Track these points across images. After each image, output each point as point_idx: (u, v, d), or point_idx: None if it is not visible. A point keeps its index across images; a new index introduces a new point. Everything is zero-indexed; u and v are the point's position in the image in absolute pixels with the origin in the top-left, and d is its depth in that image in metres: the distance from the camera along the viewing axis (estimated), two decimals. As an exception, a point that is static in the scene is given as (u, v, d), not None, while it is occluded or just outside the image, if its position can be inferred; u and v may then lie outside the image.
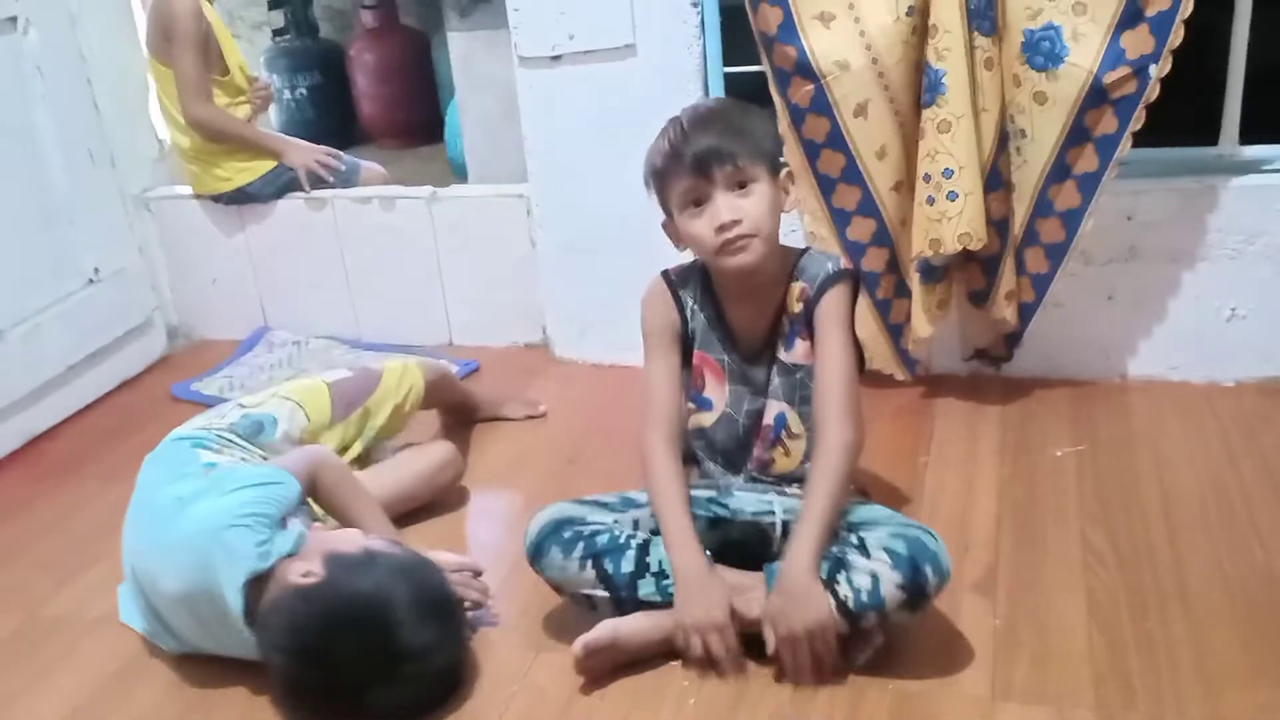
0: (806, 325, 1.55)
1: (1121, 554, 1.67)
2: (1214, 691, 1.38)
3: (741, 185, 1.47)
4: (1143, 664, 1.44)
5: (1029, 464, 1.95)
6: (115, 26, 2.71)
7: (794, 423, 1.59)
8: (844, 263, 1.56)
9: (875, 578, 1.40)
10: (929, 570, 1.40)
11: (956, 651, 1.49)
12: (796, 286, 1.56)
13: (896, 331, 2.19)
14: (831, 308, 1.53)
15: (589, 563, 1.52)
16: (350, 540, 1.54)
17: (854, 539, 1.46)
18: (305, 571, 1.45)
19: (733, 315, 1.60)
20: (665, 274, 1.63)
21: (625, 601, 1.52)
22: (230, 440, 1.79)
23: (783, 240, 1.56)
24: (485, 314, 2.66)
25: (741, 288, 1.57)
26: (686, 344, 1.62)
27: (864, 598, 1.40)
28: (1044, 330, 2.20)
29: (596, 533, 1.55)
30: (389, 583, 1.42)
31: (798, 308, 1.56)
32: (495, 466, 2.14)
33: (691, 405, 1.64)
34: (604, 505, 1.61)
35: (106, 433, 2.43)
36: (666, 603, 1.51)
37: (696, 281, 1.62)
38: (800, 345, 1.56)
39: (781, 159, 1.56)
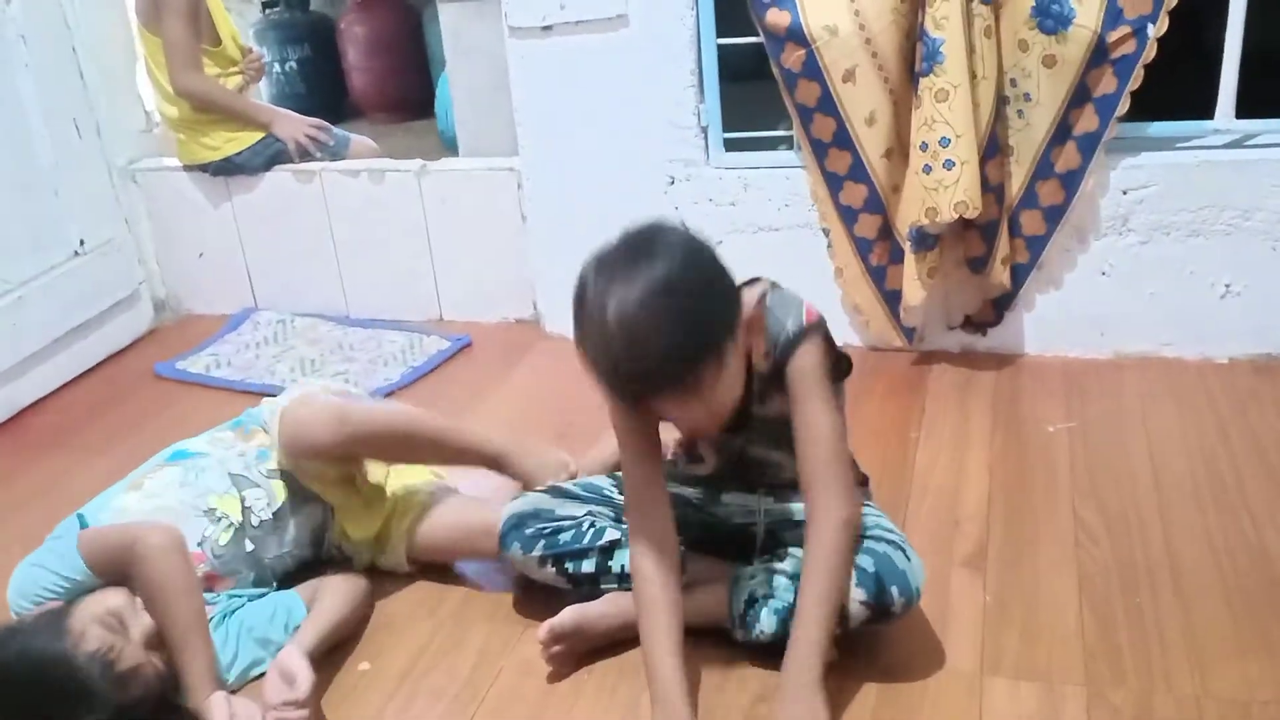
0: (775, 382, 1.37)
1: (1112, 530, 1.66)
2: (1203, 666, 1.38)
3: (688, 398, 1.24)
4: (1132, 639, 1.43)
5: (1021, 440, 1.94)
6: (100, -2, 2.68)
7: (784, 460, 1.45)
8: (806, 315, 1.35)
9: None
10: (895, 591, 1.36)
11: (945, 627, 1.48)
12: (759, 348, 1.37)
13: (893, 298, 2.20)
14: (803, 370, 1.33)
15: (549, 562, 1.51)
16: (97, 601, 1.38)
17: None
18: None
19: None
20: None
21: (588, 596, 1.51)
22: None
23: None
24: (476, 289, 2.63)
25: None
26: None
27: None
28: (1037, 306, 2.20)
29: (560, 530, 1.51)
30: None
31: (764, 366, 1.37)
32: (485, 442, 2.12)
33: (683, 456, 1.55)
34: (577, 498, 1.56)
35: (91, 407, 2.41)
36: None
37: None
38: (776, 400, 1.39)
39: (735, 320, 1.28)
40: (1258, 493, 1.72)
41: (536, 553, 1.51)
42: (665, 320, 1.20)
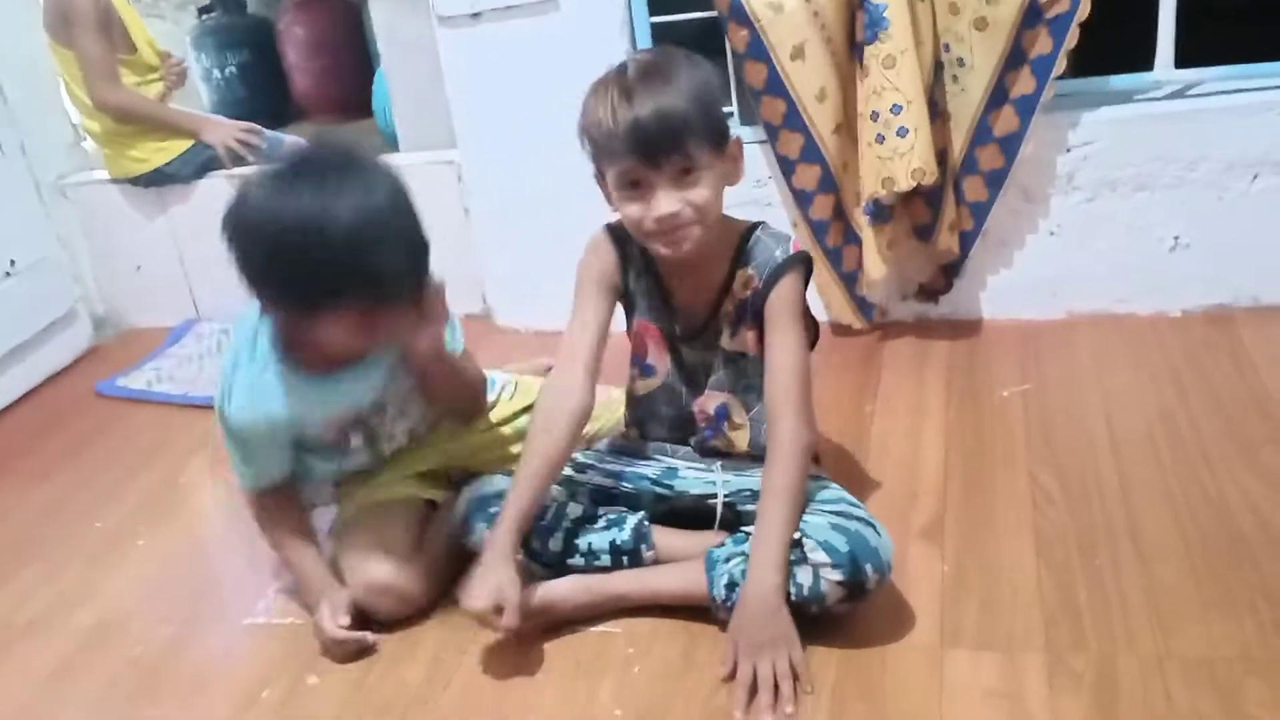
0: (753, 314, 1.45)
1: (1070, 492, 1.64)
2: (1165, 626, 1.35)
3: (688, 172, 1.33)
4: (1093, 602, 1.41)
5: (976, 407, 1.92)
6: (16, 10, 2.61)
7: (736, 412, 1.52)
8: (794, 245, 1.44)
9: (816, 574, 1.35)
10: (869, 568, 1.35)
11: (904, 601, 1.45)
12: (743, 273, 1.45)
13: (850, 279, 2.15)
14: (783, 299, 1.42)
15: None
16: None
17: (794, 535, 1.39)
18: None
19: (672, 286, 1.51)
20: (609, 227, 1.52)
21: (556, 573, 1.50)
22: None
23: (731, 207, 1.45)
24: (423, 286, 2.58)
25: (679, 263, 1.44)
26: (628, 304, 1.55)
27: (805, 593, 1.36)
28: (988, 270, 2.17)
29: None
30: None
31: (744, 294, 1.46)
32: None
33: (635, 371, 1.58)
34: None
35: (34, 430, 2.35)
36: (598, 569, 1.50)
37: (637, 244, 1.49)
38: (746, 334, 1.47)
39: (729, 130, 1.39)
40: (1216, 447, 1.70)
41: None
42: (689, 68, 1.36)
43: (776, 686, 1.31)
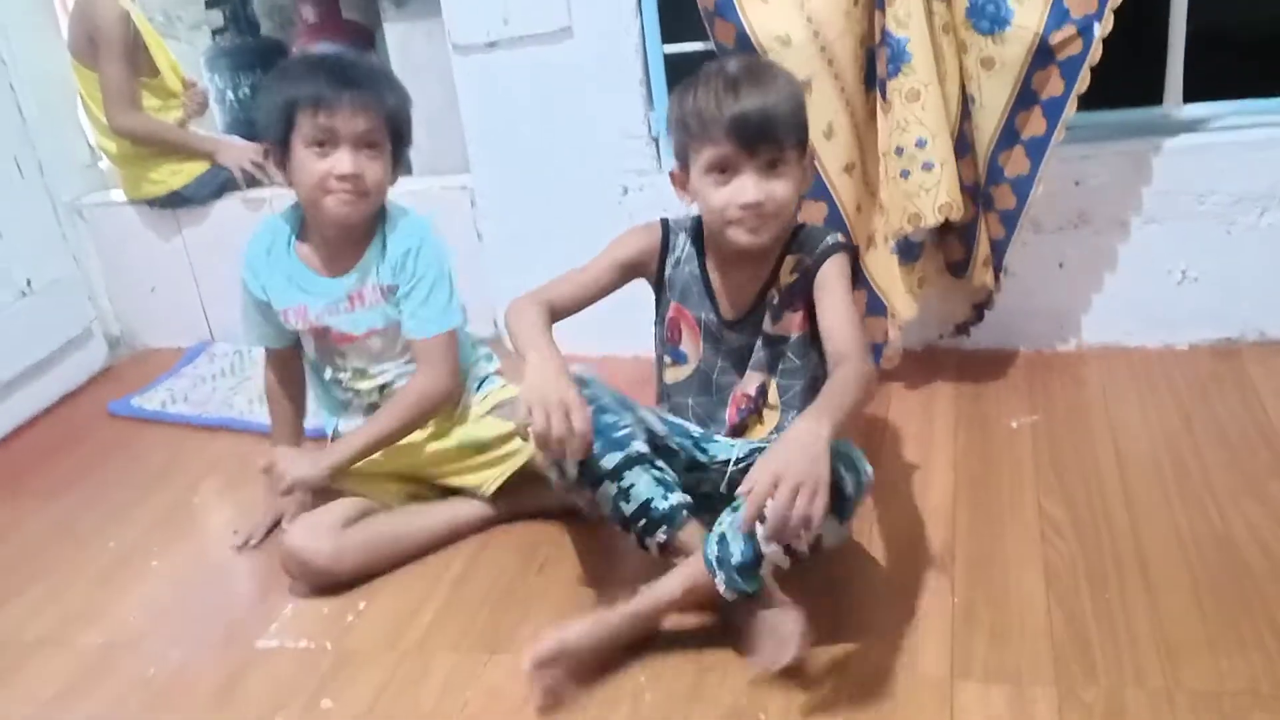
0: (800, 296, 1.52)
1: (1079, 524, 1.65)
2: (1174, 660, 1.36)
3: (773, 165, 1.42)
4: (1102, 635, 1.42)
5: (984, 437, 1.93)
6: (38, 29, 2.64)
7: (772, 394, 1.58)
8: (841, 236, 1.54)
9: None
10: (841, 468, 1.34)
11: (914, 631, 1.46)
12: (791, 259, 1.53)
13: None
14: (835, 268, 1.50)
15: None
16: None
17: None
18: None
19: (718, 276, 1.57)
20: (665, 219, 1.61)
21: (585, 485, 1.48)
22: None
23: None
24: (435, 309, 2.59)
25: (734, 253, 1.52)
26: (661, 291, 1.60)
27: None
28: (998, 301, 2.18)
29: (603, 410, 1.47)
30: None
31: (791, 278, 1.53)
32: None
33: (667, 359, 1.62)
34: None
35: (47, 449, 2.36)
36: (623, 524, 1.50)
37: (689, 233, 1.58)
38: (791, 317, 1.54)
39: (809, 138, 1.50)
40: (1223, 480, 1.71)
41: None
42: (787, 75, 1.47)
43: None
